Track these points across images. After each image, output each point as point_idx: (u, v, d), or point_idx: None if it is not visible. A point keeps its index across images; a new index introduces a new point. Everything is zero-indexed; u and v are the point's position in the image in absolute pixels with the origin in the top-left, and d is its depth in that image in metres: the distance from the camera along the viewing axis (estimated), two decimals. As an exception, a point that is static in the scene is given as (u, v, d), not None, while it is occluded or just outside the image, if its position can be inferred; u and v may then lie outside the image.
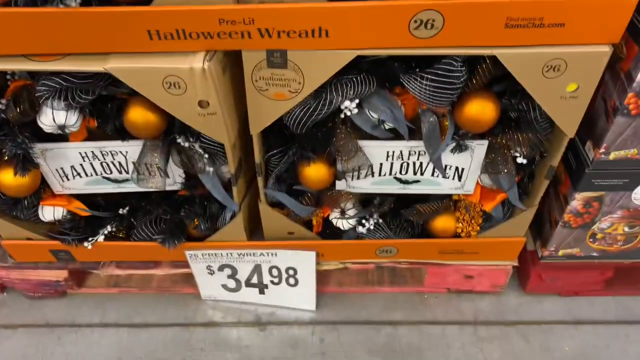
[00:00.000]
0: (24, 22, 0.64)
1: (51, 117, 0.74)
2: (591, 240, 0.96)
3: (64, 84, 0.69)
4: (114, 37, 0.65)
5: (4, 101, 0.76)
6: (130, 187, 0.89)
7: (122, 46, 0.66)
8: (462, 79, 0.69)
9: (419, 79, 0.71)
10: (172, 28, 0.63)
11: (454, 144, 0.80)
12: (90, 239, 0.95)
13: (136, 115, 0.74)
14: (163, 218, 0.95)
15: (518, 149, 0.80)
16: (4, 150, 0.80)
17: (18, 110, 0.73)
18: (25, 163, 0.81)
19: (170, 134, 0.80)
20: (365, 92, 0.73)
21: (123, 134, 0.79)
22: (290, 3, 0.62)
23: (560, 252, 1.00)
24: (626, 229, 0.94)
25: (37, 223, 0.95)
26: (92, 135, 0.83)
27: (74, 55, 0.68)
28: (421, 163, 0.85)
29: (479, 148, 0.81)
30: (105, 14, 0.62)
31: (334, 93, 0.73)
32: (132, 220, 0.97)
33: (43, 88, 0.70)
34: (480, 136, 0.81)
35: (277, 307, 1.09)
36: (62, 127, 0.76)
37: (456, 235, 0.95)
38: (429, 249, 0.97)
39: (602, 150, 0.79)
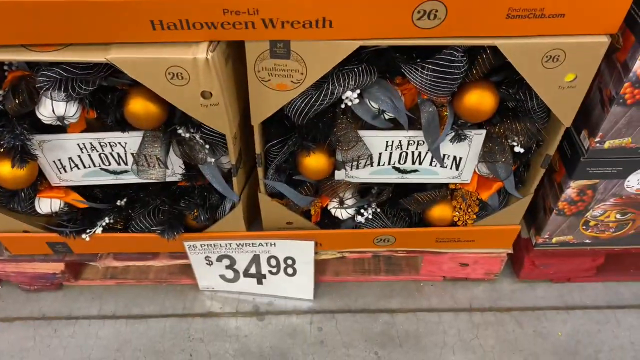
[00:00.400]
0: (23, 12, 0.63)
1: (50, 108, 0.73)
2: (584, 227, 0.98)
3: (64, 74, 0.69)
4: (116, 27, 0.64)
5: (1, 92, 0.75)
6: (129, 179, 0.89)
7: (124, 36, 0.65)
8: (462, 69, 0.70)
9: (420, 69, 0.71)
10: (175, 18, 0.63)
11: (452, 134, 0.81)
12: (88, 230, 0.94)
13: (137, 106, 0.73)
14: (161, 209, 0.95)
15: (516, 138, 0.81)
16: (2, 142, 0.79)
17: (17, 101, 0.72)
18: (23, 155, 0.80)
19: (170, 124, 0.79)
20: (366, 82, 0.74)
21: (123, 125, 0.79)
22: (295, -7, 0.62)
23: (554, 240, 1.02)
24: (618, 216, 0.96)
25: (33, 215, 0.94)
26: (90, 127, 0.83)
27: (75, 45, 0.67)
28: (420, 152, 0.86)
29: (477, 137, 0.82)
30: (107, 4, 0.62)
31: (336, 84, 0.73)
32: (130, 211, 0.96)
33: (43, 79, 0.69)
34: (478, 126, 0.82)
35: (275, 296, 1.09)
36: (61, 119, 0.75)
37: (453, 224, 0.97)
38: (426, 237, 0.99)
39: (597, 139, 0.80)
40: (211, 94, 0.70)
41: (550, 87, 0.72)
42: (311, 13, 0.63)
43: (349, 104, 0.76)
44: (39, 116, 0.75)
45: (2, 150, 0.81)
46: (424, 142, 0.83)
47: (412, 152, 0.86)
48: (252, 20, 0.64)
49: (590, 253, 1.05)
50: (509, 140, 0.82)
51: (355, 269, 1.12)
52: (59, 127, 0.80)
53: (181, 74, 0.67)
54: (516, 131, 0.80)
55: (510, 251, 1.04)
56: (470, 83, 0.75)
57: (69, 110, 0.74)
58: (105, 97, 0.76)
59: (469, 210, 0.94)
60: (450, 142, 0.82)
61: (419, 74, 0.72)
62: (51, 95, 0.72)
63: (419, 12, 0.64)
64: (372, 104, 0.77)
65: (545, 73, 0.70)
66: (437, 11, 0.64)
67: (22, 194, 0.90)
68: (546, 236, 1.01)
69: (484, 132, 0.82)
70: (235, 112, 0.77)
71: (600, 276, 1.11)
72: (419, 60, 0.72)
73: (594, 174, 0.87)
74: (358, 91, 0.75)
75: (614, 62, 0.74)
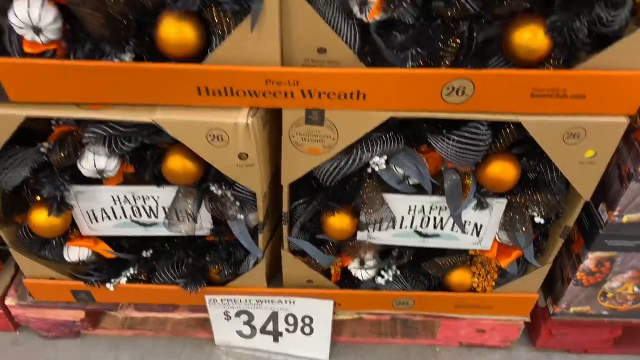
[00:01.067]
0: (79, 74, 0.68)
1: (92, 162, 0.77)
2: (602, 298, 0.99)
3: (110, 131, 0.73)
4: (164, 91, 0.69)
5: (46, 144, 0.80)
6: (157, 231, 0.92)
7: (170, 99, 0.70)
8: (487, 142, 0.74)
9: (446, 140, 0.75)
10: (221, 85, 0.68)
11: (474, 202, 0.84)
12: (112, 280, 0.96)
13: (176, 163, 0.77)
14: (184, 262, 0.97)
15: (536, 209, 0.83)
16: (42, 192, 0.82)
17: (62, 154, 0.76)
18: (60, 204, 0.83)
19: (203, 181, 0.83)
20: (393, 149, 0.77)
21: (158, 179, 0.83)
22: (333, 67, 0.67)
23: (571, 310, 1.02)
24: (636, 289, 0.96)
25: (61, 263, 0.96)
26: (125, 179, 0.86)
27: (123, 104, 0.72)
28: (442, 218, 0.88)
29: (498, 206, 0.85)
30: (159, 70, 0.67)
31: (364, 150, 0.76)
32: (155, 262, 0.98)
33: (90, 135, 0.73)
34: (500, 194, 0.84)
35: (290, 355, 1.09)
36: (101, 172, 0.79)
37: (471, 289, 0.98)
38: (445, 302, 0.99)
39: (615, 213, 0.82)
40: (247, 156, 0.74)
41: (570, 162, 0.75)
42: (347, 86, 0.68)
43: (377, 169, 0.79)
44: (80, 169, 0.79)
45: (37, 199, 0.85)
46: (446, 208, 0.85)
47: (434, 217, 0.88)
48: (291, 91, 0.68)
49: (608, 325, 1.05)
50: (530, 210, 0.84)
51: (371, 331, 1.12)
52: (96, 179, 0.83)
53: (221, 136, 0.71)
54: (536, 202, 0.82)
55: (528, 319, 1.04)
56: (493, 154, 0.78)
57: (110, 164, 0.78)
58: (144, 153, 0.80)
59: (489, 276, 0.95)
60: (472, 209, 0.84)
61: (445, 144, 0.75)
62: (94, 150, 0.76)
63: (447, 88, 0.68)
64: (398, 169, 0.80)
65: (566, 149, 0.73)
66: (465, 88, 0.68)
67: (54, 242, 0.92)
68: (563, 306, 1.02)
69: (505, 201, 0.84)
70: (267, 172, 0.81)
71: (618, 349, 1.10)
72: (445, 130, 0.76)
73: (612, 246, 0.88)
74: (385, 157, 0.78)
75: (632, 141, 0.77)
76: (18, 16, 0.63)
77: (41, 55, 0.68)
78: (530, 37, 0.64)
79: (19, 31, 0.65)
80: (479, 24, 0.66)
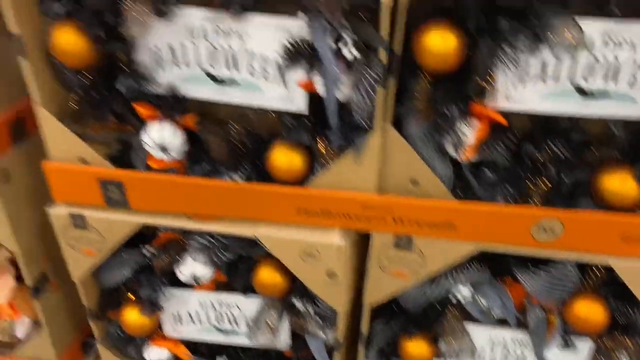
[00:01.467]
0: (195, 189, 0.76)
1: (190, 269, 0.83)
2: None
3: (212, 241, 0.79)
4: (268, 209, 0.75)
5: (150, 249, 0.87)
6: (236, 340, 0.94)
7: (272, 217, 0.76)
8: (575, 282, 0.74)
9: (532, 275, 0.76)
10: (319, 208, 0.73)
11: (559, 341, 0.82)
12: (185, 384, 0.98)
13: (266, 276, 0.81)
14: (256, 373, 0.98)
15: (625, 354, 0.80)
16: (139, 292, 0.88)
17: (166, 260, 0.83)
18: (153, 305, 0.89)
19: (287, 294, 0.86)
20: (478, 279, 0.79)
21: (245, 289, 0.87)
22: (426, 198, 0.71)
23: None
24: None
25: (140, 361, 1.00)
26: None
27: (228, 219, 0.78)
28: (524, 354, 0.86)
29: (584, 347, 0.82)
30: (266, 191, 0.73)
31: (450, 279, 0.78)
32: (227, 370, 1.00)
33: (194, 244, 0.80)
34: (587, 335, 0.82)
35: None
36: (197, 279, 0.84)
37: None
38: None
39: None
40: (336, 274, 0.77)
41: (664, 309, 0.73)
42: (437, 217, 0.72)
43: (462, 301, 0.80)
44: (178, 273, 0.85)
45: (133, 297, 0.91)
46: (528, 345, 0.84)
47: (516, 353, 0.86)
48: (383, 216, 0.73)
49: None
50: (618, 354, 0.81)
51: None
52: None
53: (314, 254, 0.75)
54: (626, 347, 0.79)
55: None
56: (581, 293, 0.77)
57: (206, 272, 0.83)
58: (238, 263, 0.85)
59: (573, 423, 0.89)
60: (557, 348, 0.82)
61: (531, 279, 0.76)
62: (195, 258, 0.82)
63: (537, 226, 0.70)
64: (482, 300, 0.81)
65: (660, 296, 0.72)
66: (554, 227, 0.70)
67: (139, 341, 0.96)
68: None
69: (591, 343, 0.82)
70: (351, 290, 0.83)
71: None
72: (531, 265, 0.77)
73: None
74: (471, 289, 0.80)
75: None
76: (151, 137, 0.73)
77: (164, 170, 0.77)
78: (620, 184, 0.67)
79: (148, 149, 0.75)
80: (568, 167, 0.69)
